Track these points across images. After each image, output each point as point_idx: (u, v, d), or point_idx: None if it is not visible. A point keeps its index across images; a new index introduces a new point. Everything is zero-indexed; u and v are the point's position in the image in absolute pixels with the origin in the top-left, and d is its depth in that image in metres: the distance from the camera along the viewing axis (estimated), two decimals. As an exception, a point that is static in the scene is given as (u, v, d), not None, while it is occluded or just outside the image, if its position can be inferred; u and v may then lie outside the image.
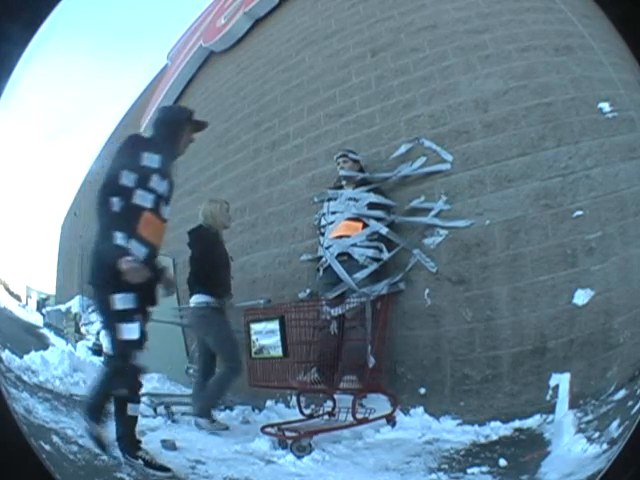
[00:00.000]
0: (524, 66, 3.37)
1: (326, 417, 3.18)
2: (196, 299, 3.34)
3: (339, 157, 3.66)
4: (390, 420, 3.00)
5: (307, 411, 3.21)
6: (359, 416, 2.89)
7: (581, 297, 2.83)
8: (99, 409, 2.42)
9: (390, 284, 3.12)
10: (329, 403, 3.21)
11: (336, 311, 3.03)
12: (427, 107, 3.60)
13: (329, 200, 3.59)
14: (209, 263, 3.37)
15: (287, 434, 2.80)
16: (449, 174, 3.33)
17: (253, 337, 3.00)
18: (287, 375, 2.96)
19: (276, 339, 2.90)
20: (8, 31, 1.10)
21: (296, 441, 2.65)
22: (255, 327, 3.00)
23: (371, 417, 2.93)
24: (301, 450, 2.61)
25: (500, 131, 3.27)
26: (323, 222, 3.56)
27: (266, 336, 2.95)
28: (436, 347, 2.83)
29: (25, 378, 3.49)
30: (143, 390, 3.80)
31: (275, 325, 2.90)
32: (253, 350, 3.00)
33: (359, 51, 4.24)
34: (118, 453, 2.37)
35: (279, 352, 2.89)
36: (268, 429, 2.95)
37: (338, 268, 3.31)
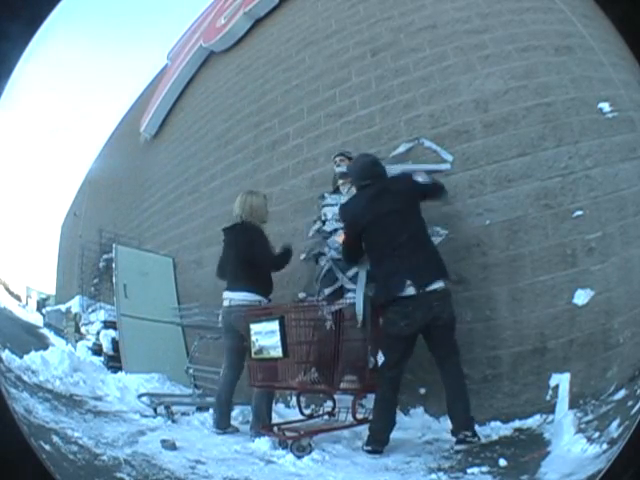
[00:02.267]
0: (524, 66, 3.37)
1: (326, 417, 3.17)
2: (244, 297, 3.26)
3: (336, 156, 3.66)
4: None
5: (307, 411, 3.21)
6: (359, 416, 2.89)
7: (581, 297, 2.83)
8: None
9: None
10: (329, 403, 3.21)
11: (334, 308, 3.02)
12: (427, 107, 3.60)
13: (329, 206, 3.57)
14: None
15: (287, 434, 2.80)
16: (449, 174, 3.33)
17: (253, 337, 2.98)
18: (287, 375, 2.95)
19: (276, 340, 2.87)
20: (8, 30, 1.10)
21: (296, 441, 2.65)
22: (255, 327, 2.97)
23: (371, 417, 2.93)
24: (301, 450, 2.61)
25: (500, 131, 3.27)
26: (328, 228, 3.53)
27: (266, 336, 2.92)
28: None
29: (25, 378, 3.50)
30: (143, 390, 3.84)
31: (275, 325, 2.86)
32: (253, 350, 2.98)
33: (359, 51, 4.24)
34: None
35: (279, 353, 2.86)
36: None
37: (335, 266, 3.32)
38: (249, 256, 3.29)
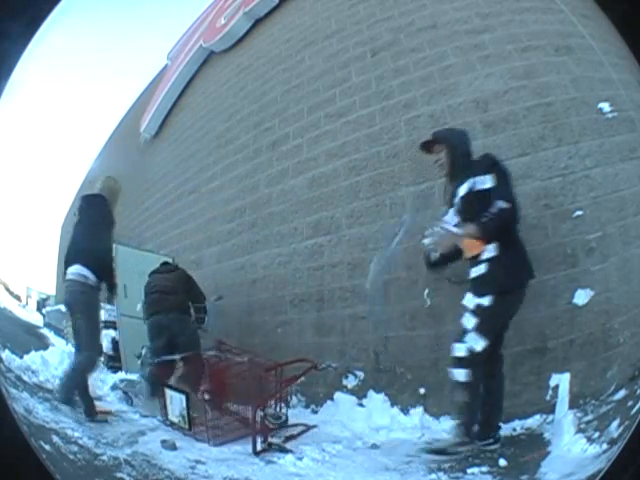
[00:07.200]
0: (524, 66, 3.37)
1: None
2: (74, 270, 3.21)
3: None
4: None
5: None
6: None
7: (581, 297, 2.83)
8: None
9: None
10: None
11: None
12: (427, 107, 3.60)
13: None
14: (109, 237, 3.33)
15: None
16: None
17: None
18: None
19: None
20: (8, 30, 1.10)
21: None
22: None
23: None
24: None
25: (500, 131, 3.27)
26: None
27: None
28: (436, 347, 2.82)
29: (25, 378, 3.49)
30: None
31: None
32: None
33: (359, 51, 4.24)
34: None
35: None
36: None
37: None
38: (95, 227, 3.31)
